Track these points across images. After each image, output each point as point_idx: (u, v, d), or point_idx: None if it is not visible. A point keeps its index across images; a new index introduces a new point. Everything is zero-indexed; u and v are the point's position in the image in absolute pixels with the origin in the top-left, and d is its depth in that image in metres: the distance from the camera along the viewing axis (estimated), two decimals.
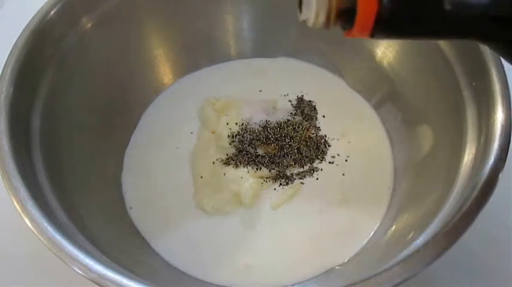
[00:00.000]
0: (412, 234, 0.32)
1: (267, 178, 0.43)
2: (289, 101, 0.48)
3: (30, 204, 0.28)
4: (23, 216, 0.28)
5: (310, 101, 0.48)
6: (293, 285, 0.38)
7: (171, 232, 0.41)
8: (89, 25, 0.40)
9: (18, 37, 0.35)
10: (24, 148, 0.32)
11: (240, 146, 0.44)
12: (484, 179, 0.29)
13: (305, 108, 0.47)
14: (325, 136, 0.46)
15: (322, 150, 0.44)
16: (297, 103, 0.48)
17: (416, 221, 0.35)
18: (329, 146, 0.45)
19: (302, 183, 0.43)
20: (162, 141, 0.46)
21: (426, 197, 0.36)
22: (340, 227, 0.41)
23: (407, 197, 0.40)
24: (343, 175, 0.43)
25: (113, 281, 0.26)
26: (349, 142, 0.45)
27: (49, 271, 0.37)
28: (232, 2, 0.48)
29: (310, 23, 0.23)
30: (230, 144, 0.44)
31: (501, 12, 0.21)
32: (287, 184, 0.43)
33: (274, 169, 0.43)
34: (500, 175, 0.29)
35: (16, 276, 0.40)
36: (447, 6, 0.20)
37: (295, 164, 0.43)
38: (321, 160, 0.44)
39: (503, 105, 0.31)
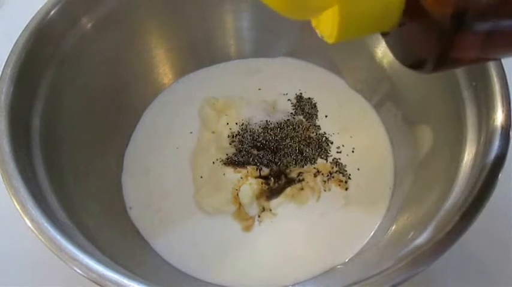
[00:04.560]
0: (412, 234, 0.32)
1: (267, 178, 0.43)
2: (289, 99, 0.48)
3: (30, 204, 0.28)
4: (23, 216, 0.28)
5: (309, 98, 0.48)
6: (293, 285, 0.38)
7: (171, 231, 0.41)
8: (89, 25, 0.40)
9: (18, 37, 0.35)
10: (24, 148, 0.32)
11: (240, 146, 0.44)
12: (484, 179, 0.29)
13: (305, 106, 0.47)
14: (325, 133, 0.46)
15: (324, 149, 0.45)
16: (297, 101, 0.48)
17: (417, 221, 0.35)
18: (331, 143, 0.45)
19: (302, 183, 0.43)
20: (162, 141, 0.46)
21: (426, 197, 0.36)
22: (340, 226, 0.41)
23: (407, 197, 0.40)
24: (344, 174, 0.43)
25: (113, 281, 0.26)
26: (350, 140, 0.45)
27: (49, 271, 0.37)
28: (232, 2, 0.48)
29: None
30: (230, 144, 0.44)
31: None
32: (287, 184, 0.43)
33: (274, 169, 0.43)
34: (500, 175, 0.29)
35: (16, 276, 0.40)
36: None
37: (295, 164, 0.43)
38: (325, 159, 0.44)
39: (503, 105, 0.31)
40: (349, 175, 0.43)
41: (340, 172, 0.43)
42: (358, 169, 0.44)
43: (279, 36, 0.50)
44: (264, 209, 0.41)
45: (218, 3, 0.47)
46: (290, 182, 0.43)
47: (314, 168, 0.43)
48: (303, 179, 0.43)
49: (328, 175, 0.43)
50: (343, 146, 0.45)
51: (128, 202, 0.43)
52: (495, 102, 0.31)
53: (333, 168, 0.43)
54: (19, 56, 0.34)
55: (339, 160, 0.44)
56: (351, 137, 0.45)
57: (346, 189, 0.42)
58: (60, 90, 0.38)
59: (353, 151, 0.45)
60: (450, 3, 0.17)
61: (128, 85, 0.46)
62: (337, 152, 0.45)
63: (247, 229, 0.41)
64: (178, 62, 0.50)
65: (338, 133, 0.46)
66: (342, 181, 0.43)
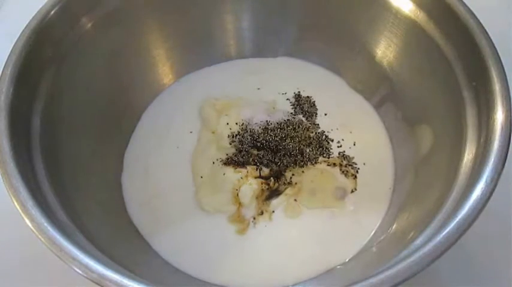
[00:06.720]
0: (412, 234, 0.32)
1: (267, 178, 0.43)
2: (287, 99, 0.48)
3: (30, 204, 0.28)
4: (23, 216, 0.28)
5: (308, 96, 0.48)
6: (293, 285, 0.38)
7: (171, 231, 0.41)
8: (89, 25, 0.40)
9: (18, 37, 0.35)
10: (24, 148, 0.32)
11: (240, 146, 0.44)
12: (484, 179, 0.29)
13: (304, 105, 0.47)
14: (325, 131, 0.46)
15: (325, 147, 0.45)
16: (296, 100, 0.48)
17: (417, 221, 0.35)
18: (331, 141, 0.45)
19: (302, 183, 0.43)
20: (162, 141, 0.46)
21: (426, 197, 0.36)
22: (341, 226, 0.41)
23: (407, 197, 0.40)
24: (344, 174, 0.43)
25: (113, 281, 0.26)
26: (350, 135, 0.45)
27: (49, 271, 0.37)
28: (232, 2, 0.48)
29: None
30: (230, 144, 0.44)
31: None
32: (287, 184, 0.43)
33: (274, 169, 0.43)
34: (500, 175, 0.29)
35: (16, 276, 0.40)
36: None
37: (295, 164, 0.43)
38: (328, 157, 0.44)
39: (503, 105, 0.31)
40: (358, 169, 0.43)
41: (349, 165, 0.43)
42: (364, 164, 0.44)
43: (278, 36, 0.50)
44: (262, 213, 0.41)
45: (218, 3, 0.47)
46: (290, 182, 0.43)
47: (326, 161, 0.43)
48: (295, 183, 0.42)
49: (340, 168, 0.43)
50: (342, 140, 0.45)
51: (127, 201, 0.43)
52: (495, 102, 0.31)
53: (342, 161, 0.43)
54: (19, 56, 0.34)
55: (344, 153, 0.44)
56: (350, 132, 0.46)
57: (353, 191, 0.42)
58: (60, 90, 0.38)
59: (353, 151, 0.45)
60: None
61: (128, 85, 0.46)
62: (338, 147, 0.45)
63: (242, 231, 0.41)
64: (178, 62, 0.50)
65: (337, 129, 0.46)
66: (352, 175, 0.43)
